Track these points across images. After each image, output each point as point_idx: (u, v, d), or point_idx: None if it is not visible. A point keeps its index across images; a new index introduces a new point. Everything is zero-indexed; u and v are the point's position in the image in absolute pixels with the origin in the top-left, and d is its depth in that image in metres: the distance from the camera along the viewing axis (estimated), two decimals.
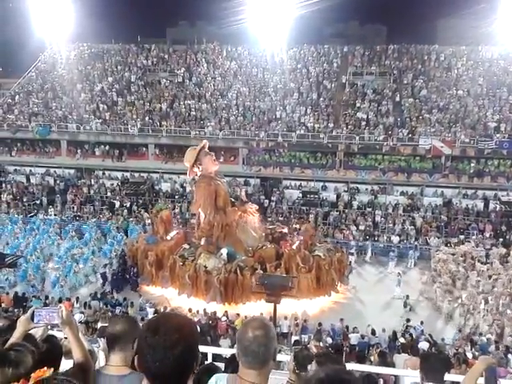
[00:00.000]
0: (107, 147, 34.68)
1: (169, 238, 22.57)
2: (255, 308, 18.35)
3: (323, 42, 40.62)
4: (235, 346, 2.49)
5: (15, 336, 2.90)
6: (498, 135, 29.77)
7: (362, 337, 16.53)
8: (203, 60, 39.09)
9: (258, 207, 22.92)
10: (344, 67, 36.80)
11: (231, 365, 3.97)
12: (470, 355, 13.96)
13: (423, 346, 15.06)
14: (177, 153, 33.78)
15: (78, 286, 21.77)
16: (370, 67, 36.21)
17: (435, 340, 15.96)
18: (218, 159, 32.72)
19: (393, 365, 11.11)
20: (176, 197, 31.88)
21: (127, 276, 21.71)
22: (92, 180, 34.13)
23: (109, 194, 32.67)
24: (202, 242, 20.97)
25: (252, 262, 19.88)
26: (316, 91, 35.03)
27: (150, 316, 17.37)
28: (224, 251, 20.20)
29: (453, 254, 23.27)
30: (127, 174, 34.28)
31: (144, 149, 34.43)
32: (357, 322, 17.55)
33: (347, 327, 17.20)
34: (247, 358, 2.33)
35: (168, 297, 20.20)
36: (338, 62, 37.39)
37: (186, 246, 21.60)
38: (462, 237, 26.55)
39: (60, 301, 18.43)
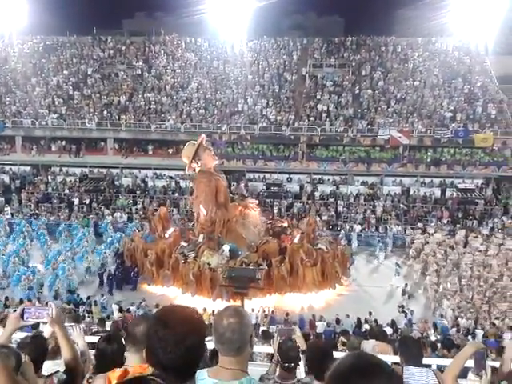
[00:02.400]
0: (64, 142, 33.66)
1: (167, 235, 22.10)
2: (262, 303, 18.48)
3: (282, 34, 40.71)
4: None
5: (4, 335, 2.83)
6: (453, 125, 30.77)
7: (328, 325, 16.79)
8: (162, 52, 38.45)
9: (258, 202, 22.78)
10: (304, 59, 37.05)
11: (214, 357, 3.93)
12: (433, 338, 14.42)
13: (387, 331, 15.42)
14: (137, 147, 33.23)
15: (73, 288, 20.92)
16: (329, 59, 36.62)
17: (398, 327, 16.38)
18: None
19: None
20: (138, 192, 31.32)
21: (127, 276, 21.16)
22: (49, 177, 33.04)
23: (67, 190, 31.71)
24: (200, 238, 20.64)
25: (256, 258, 19.69)
26: (277, 83, 35.13)
27: (116, 315, 17.07)
28: (226, 248, 19.89)
29: (427, 242, 24.07)
30: (86, 170, 33.37)
31: (102, 143, 33.61)
32: (364, 313, 17.34)
33: (314, 316, 17.43)
34: (223, 346, 2.38)
35: (171, 296, 19.77)
36: (297, 54, 37.60)
37: (183, 243, 21.17)
38: (420, 224, 27.43)
39: (21, 301, 17.81)
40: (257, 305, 18.12)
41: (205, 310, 17.79)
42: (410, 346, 4.04)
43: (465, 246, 23.98)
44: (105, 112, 33.64)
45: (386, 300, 20.02)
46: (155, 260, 20.73)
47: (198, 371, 2.63)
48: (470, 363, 8.86)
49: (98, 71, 37.48)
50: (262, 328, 16.26)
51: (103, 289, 20.89)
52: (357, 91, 34.22)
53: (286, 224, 22.44)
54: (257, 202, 22.68)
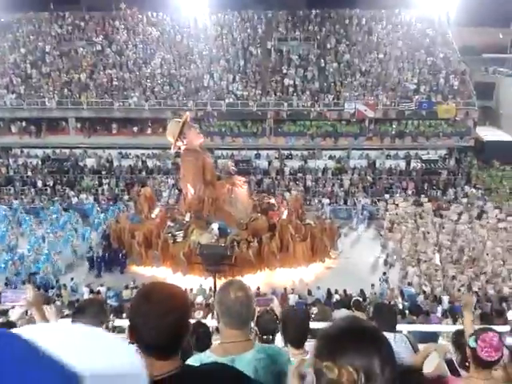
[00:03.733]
0: (24, 123, 32.38)
1: (153, 215, 21.73)
2: (254, 280, 18.43)
3: (246, 7, 39.96)
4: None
5: None
6: (417, 97, 31.20)
7: (300, 297, 17.09)
8: (122, 27, 37.20)
9: (245, 179, 22.64)
10: (269, 33, 36.60)
11: (193, 333, 3.90)
12: (400, 306, 14.88)
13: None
14: (100, 126, 32.38)
15: (61, 273, 20.52)
16: (294, 33, 36.28)
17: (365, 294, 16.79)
18: (146, 131, 32.00)
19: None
20: (103, 173, 30.69)
21: (115, 258, 20.75)
22: (10, 159, 31.92)
23: (29, 173, 30.75)
24: (187, 217, 20.35)
25: (246, 235, 19.67)
26: (242, 58, 34.67)
27: (86, 297, 16.89)
28: (215, 226, 19.68)
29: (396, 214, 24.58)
30: (48, 151, 32.35)
31: (64, 123, 32.56)
32: (353, 284, 17.53)
33: (285, 289, 17.66)
34: (232, 320, 2.44)
35: (161, 276, 19.38)
36: (262, 28, 37.09)
37: (170, 223, 20.84)
38: (387, 196, 28.01)
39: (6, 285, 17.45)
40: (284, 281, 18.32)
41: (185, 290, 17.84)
42: (384, 313, 4.12)
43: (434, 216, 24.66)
44: (65, 90, 32.50)
45: (372, 271, 20.41)
46: (143, 241, 20.40)
47: (199, 355, 2.66)
48: (441, 328, 9.11)
49: (56, 48, 36.01)
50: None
51: (93, 272, 20.56)
52: (322, 65, 34.17)
53: (273, 200, 22.48)
54: (244, 179, 22.53)
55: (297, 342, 3.45)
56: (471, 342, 3.03)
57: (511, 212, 24.88)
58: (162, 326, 1.78)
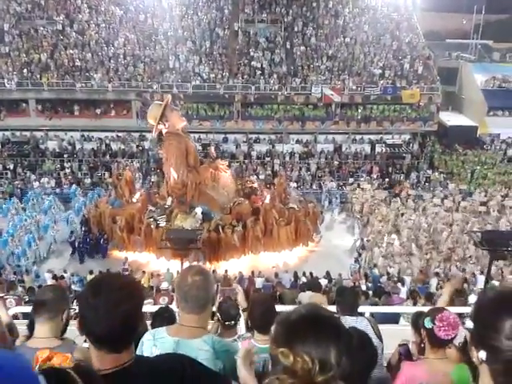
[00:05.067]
0: None
1: (134, 200, 21.21)
2: (238, 264, 18.61)
3: None
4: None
5: None
6: (382, 81, 31.53)
7: (267, 280, 17.21)
8: (85, 5, 35.86)
9: (228, 163, 22.41)
10: (235, 14, 36.07)
11: (158, 318, 3.85)
12: (364, 287, 15.20)
13: (322, 283, 16.04)
14: (61, 108, 31.40)
15: (42, 259, 19.95)
16: (261, 15, 35.89)
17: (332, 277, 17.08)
18: (110, 113, 31.23)
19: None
20: (65, 156, 29.88)
21: (96, 243, 20.26)
22: None
23: None
24: (169, 202, 19.98)
25: (230, 220, 19.52)
26: (209, 39, 34.12)
27: (49, 282, 16.52)
28: (199, 210, 19.39)
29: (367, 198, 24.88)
30: (8, 134, 31.26)
31: (24, 105, 31.41)
32: (335, 267, 17.88)
33: (252, 272, 17.75)
34: (187, 304, 2.42)
35: (143, 261, 19.30)
36: (228, 9, 36.51)
37: (151, 208, 20.42)
38: (351, 179, 28.41)
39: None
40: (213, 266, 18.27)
41: (144, 272, 17.66)
42: (346, 296, 4.16)
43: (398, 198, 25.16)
44: (25, 71, 31.22)
45: (352, 254, 20.64)
46: (125, 226, 19.95)
47: (155, 329, 2.65)
48: (401, 309, 9.32)
49: (15, 27, 34.41)
50: None
51: (76, 257, 20.12)
52: (289, 48, 34.02)
53: (255, 185, 22.37)
54: (227, 163, 22.31)
55: (263, 328, 3.45)
56: (427, 323, 3.08)
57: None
58: (111, 319, 1.72)
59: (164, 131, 19.75)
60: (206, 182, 20.29)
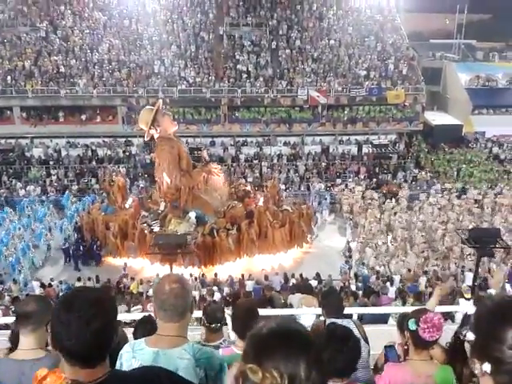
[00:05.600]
0: None
1: (127, 206, 21.04)
2: (233, 268, 18.60)
3: None
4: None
5: None
6: (367, 83, 31.73)
7: (257, 283, 17.18)
8: (68, 12, 35.63)
9: (221, 167, 22.36)
10: (220, 18, 36.07)
11: (140, 328, 3.81)
12: (353, 287, 15.24)
13: (312, 283, 16.07)
14: (46, 114, 31.13)
15: (38, 267, 19.72)
16: (246, 18, 35.95)
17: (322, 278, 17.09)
18: (95, 119, 31.02)
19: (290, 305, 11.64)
20: (51, 163, 29.60)
21: (90, 250, 20.08)
22: None
23: None
24: (162, 207, 19.84)
25: (224, 223, 19.43)
26: (194, 43, 34.08)
27: (37, 292, 16.33)
28: (192, 215, 19.30)
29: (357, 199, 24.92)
30: None
31: (9, 112, 31.07)
32: (328, 268, 17.95)
33: (242, 275, 17.71)
34: (166, 312, 2.40)
35: (137, 267, 19.17)
36: (213, 13, 36.51)
37: (144, 213, 20.26)
38: (339, 180, 28.50)
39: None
40: (188, 271, 18.11)
41: (132, 279, 17.53)
42: (330, 300, 4.17)
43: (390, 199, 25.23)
44: (8, 78, 30.92)
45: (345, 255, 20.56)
46: (119, 232, 19.83)
47: (134, 341, 2.61)
48: (389, 310, 9.32)
49: None
50: (193, 292, 16.39)
51: (71, 264, 19.96)
52: (275, 51, 34.10)
53: (248, 187, 22.36)
54: (220, 167, 22.26)
55: (244, 334, 3.43)
56: (411, 325, 3.08)
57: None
58: (83, 336, 1.69)
59: (156, 136, 19.62)
60: (199, 186, 20.19)
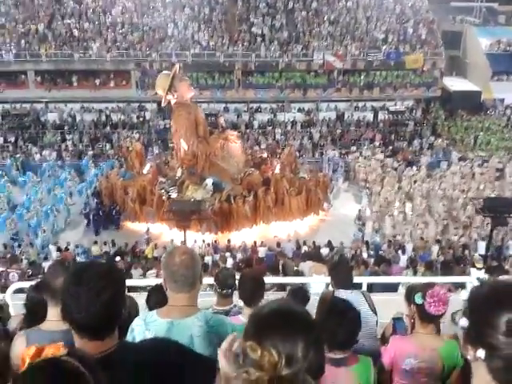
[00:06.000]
0: None
1: (145, 171, 21.20)
2: (250, 234, 18.74)
3: None
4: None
5: None
6: (385, 47, 30.93)
7: (270, 249, 17.38)
8: None
9: (241, 133, 22.31)
10: None
11: (153, 295, 3.92)
12: (365, 255, 15.32)
13: (324, 251, 16.22)
14: (60, 79, 31.07)
15: (59, 230, 20.09)
16: None
17: (334, 245, 17.19)
18: (109, 84, 30.89)
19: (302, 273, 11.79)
20: (65, 128, 29.75)
21: (109, 215, 20.39)
22: None
23: None
24: (179, 173, 19.94)
25: (241, 190, 19.49)
26: (208, 5, 33.34)
27: (54, 255, 16.73)
28: (209, 181, 19.32)
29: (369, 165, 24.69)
30: (7, 106, 31.00)
31: (23, 76, 31.01)
32: (343, 236, 18.03)
33: (255, 242, 17.90)
34: (177, 283, 2.46)
35: (156, 232, 19.39)
36: None
37: (161, 179, 20.32)
38: (353, 148, 28.21)
39: (5, 247, 17.42)
40: (201, 237, 18.35)
41: (148, 243, 17.86)
42: (339, 271, 4.21)
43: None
44: (22, 42, 30.79)
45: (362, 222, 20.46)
46: (137, 197, 20.00)
47: (145, 314, 2.68)
48: (399, 279, 9.34)
49: None
50: (206, 258, 16.66)
51: (91, 228, 20.24)
52: (290, 13, 33.27)
53: (265, 155, 22.23)
54: (236, 133, 22.10)
55: (250, 302, 3.55)
56: (417, 299, 3.12)
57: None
58: (93, 308, 1.75)
59: (173, 102, 19.48)
60: (216, 152, 20.06)
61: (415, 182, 22.85)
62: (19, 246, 18.18)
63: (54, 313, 2.68)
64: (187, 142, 19.77)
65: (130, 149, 22.07)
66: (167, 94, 19.06)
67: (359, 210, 20.89)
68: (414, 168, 24.63)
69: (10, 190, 22.67)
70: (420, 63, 30.65)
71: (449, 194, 21.61)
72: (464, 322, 1.43)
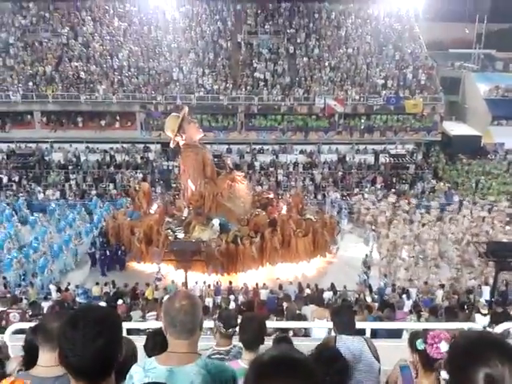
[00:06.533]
0: None
1: (152, 211, 21.31)
2: (256, 276, 18.52)
3: None
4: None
5: None
6: (385, 92, 31.59)
7: (272, 292, 17.14)
8: (89, 18, 36.32)
9: (244, 174, 22.42)
10: (238, 26, 36.38)
11: (151, 339, 3.84)
12: (369, 299, 15.07)
13: (327, 295, 15.99)
14: (66, 119, 31.65)
15: (67, 270, 19.99)
16: (264, 26, 36.16)
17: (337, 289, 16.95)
18: (114, 125, 31.44)
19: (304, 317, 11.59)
20: (70, 167, 30.04)
21: (114, 255, 20.24)
22: None
23: None
24: (185, 213, 20.03)
25: (248, 231, 19.44)
26: (212, 51, 34.37)
27: (54, 296, 16.52)
28: (216, 222, 19.35)
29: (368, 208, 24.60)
30: (13, 146, 31.46)
31: (29, 117, 31.67)
32: (350, 278, 17.80)
33: (257, 284, 17.68)
34: (175, 329, 2.43)
35: (163, 273, 19.16)
36: (232, 21, 36.82)
37: (168, 219, 20.39)
38: (356, 190, 28.33)
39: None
40: (199, 278, 18.13)
41: (147, 285, 17.62)
42: (341, 316, 4.14)
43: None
44: (30, 83, 31.58)
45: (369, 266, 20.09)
46: (143, 237, 19.95)
47: (144, 360, 2.63)
48: (403, 325, 9.19)
49: (20, 40, 34.92)
50: (207, 299, 16.42)
51: (97, 269, 20.06)
52: (292, 59, 34.19)
53: (271, 195, 22.35)
54: (243, 174, 22.31)
55: (250, 346, 3.48)
56: (419, 345, 3.06)
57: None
58: (88, 353, 1.75)
59: (181, 143, 19.83)
60: (223, 193, 20.23)
61: (423, 225, 22.67)
62: (19, 285, 17.99)
63: (45, 358, 2.64)
64: (195, 183, 20.00)
65: (138, 189, 22.17)
66: (176, 135, 19.48)
67: (366, 255, 20.48)
68: (423, 211, 24.52)
69: (19, 229, 22.68)
70: (420, 108, 31.20)
71: (459, 237, 21.34)
72: (445, 375, 1.42)
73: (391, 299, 14.46)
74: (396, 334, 8.44)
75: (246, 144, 31.86)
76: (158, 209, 21.59)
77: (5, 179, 28.71)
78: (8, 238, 21.00)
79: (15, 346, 4.99)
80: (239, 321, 3.92)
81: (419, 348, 3.07)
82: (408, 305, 13.64)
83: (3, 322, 11.76)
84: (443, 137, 32.42)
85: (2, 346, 3.58)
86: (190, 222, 19.76)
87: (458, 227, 22.48)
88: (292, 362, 1.41)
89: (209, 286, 17.66)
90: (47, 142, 31.49)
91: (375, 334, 7.17)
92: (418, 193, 28.09)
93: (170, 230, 19.71)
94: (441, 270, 18.70)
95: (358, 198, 26.51)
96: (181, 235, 19.30)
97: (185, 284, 16.21)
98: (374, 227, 23.08)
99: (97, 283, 17.70)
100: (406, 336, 8.52)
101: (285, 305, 14.04)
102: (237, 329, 3.95)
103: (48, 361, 2.61)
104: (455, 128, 34.23)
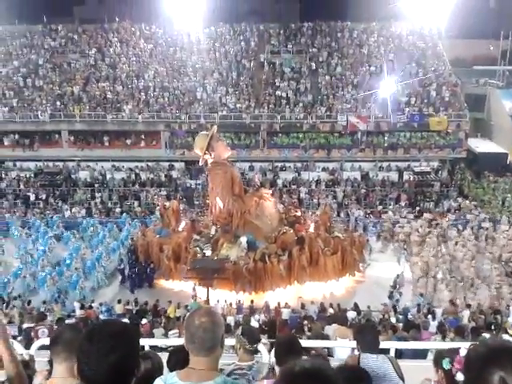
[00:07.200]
0: (17, 136, 32.39)
1: (180, 229, 21.59)
2: (284, 294, 18.40)
3: (239, 20, 40.30)
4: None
5: None
6: (408, 109, 31.41)
7: (293, 311, 16.99)
8: (115, 40, 37.41)
9: (272, 192, 22.53)
10: (261, 46, 36.89)
11: (173, 356, 3.87)
12: (393, 320, 14.79)
13: (351, 315, 15.74)
14: (93, 138, 32.40)
15: (99, 286, 20.34)
16: (287, 46, 36.58)
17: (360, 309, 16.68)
18: (139, 144, 32.04)
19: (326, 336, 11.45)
20: (96, 185, 30.63)
21: (143, 272, 20.49)
22: (2, 172, 31.81)
23: (22, 186, 30.64)
24: (212, 231, 20.20)
25: (275, 249, 19.41)
26: (235, 71, 34.88)
27: (78, 313, 16.71)
28: (244, 239, 19.42)
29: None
30: (40, 164, 32.34)
31: (57, 136, 32.56)
32: (378, 299, 17.51)
33: (278, 303, 17.55)
34: (194, 345, 2.41)
35: (190, 291, 19.16)
36: (255, 41, 37.38)
37: (196, 236, 20.54)
38: (380, 207, 28.04)
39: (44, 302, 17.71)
40: (225, 296, 18.08)
41: (170, 302, 17.67)
42: (365, 334, 4.11)
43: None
44: (58, 103, 32.54)
45: (399, 285, 19.60)
46: (172, 254, 20.11)
47: (166, 375, 2.65)
48: (428, 345, 9.01)
49: (49, 61, 36.17)
50: (228, 318, 16.37)
51: (125, 286, 20.32)
52: (315, 77, 34.39)
53: (299, 213, 22.30)
54: (271, 191, 22.41)
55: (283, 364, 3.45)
56: (445, 364, 3.01)
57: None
58: (102, 367, 1.79)
59: (210, 161, 20.04)
60: (250, 210, 20.22)
61: (456, 243, 22.16)
62: (44, 302, 18.26)
63: (58, 369, 2.69)
64: (223, 201, 20.08)
65: (167, 206, 22.40)
66: (205, 153, 19.67)
67: (397, 275, 19.94)
68: (455, 229, 24.06)
69: (54, 246, 23.13)
70: (445, 125, 30.88)
71: (496, 255, 20.83)
72: (461, 376, 1.48)
73: (416, 320, 14.16)
74: (421, 354, 8.26)
75: (268, 162, 32.00)
76: (186, 226, 21.69)
77: (32, 197, 29.40)
78: (43, 255, 21.45)
79: (39, 362, 5.09)
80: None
81: (445, 367, 3.01)
82: (434, 326, 13.33)
83: (34, 339, 11.94)
84: (468, 154, 31.97)
85: (30, 360, 3.65)
86: (218, 239, 19.83)
87: (494, 246, 21.93)
88: (322, 377, 1.43)
89: (230, 304, 17.62)
90: (74, 160, 32.22)
91: (400, 354, 7.04)
92: (444, 211, 27.61)
93: (198, 248, 19.75)
94: (478, 290, 18.19)
95: (387, 217, 26.14)
96: (208, 253, 19.33)
97: (207, 301, 16.23)
98: (405, 246, 22.67)
99: (119, 301, 17.81)
100: (430, 357, 8.35)
101: (307, 324, 13.89)
102: (260, 345, 3.95)
103: (60, 372, 2.66)
104: (480, 145, 33.74)
